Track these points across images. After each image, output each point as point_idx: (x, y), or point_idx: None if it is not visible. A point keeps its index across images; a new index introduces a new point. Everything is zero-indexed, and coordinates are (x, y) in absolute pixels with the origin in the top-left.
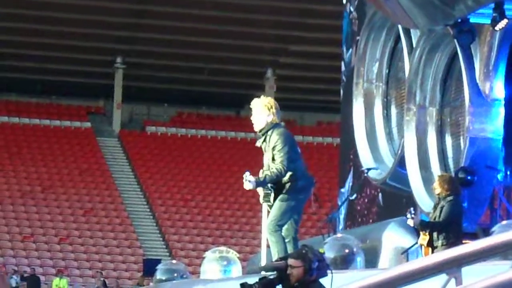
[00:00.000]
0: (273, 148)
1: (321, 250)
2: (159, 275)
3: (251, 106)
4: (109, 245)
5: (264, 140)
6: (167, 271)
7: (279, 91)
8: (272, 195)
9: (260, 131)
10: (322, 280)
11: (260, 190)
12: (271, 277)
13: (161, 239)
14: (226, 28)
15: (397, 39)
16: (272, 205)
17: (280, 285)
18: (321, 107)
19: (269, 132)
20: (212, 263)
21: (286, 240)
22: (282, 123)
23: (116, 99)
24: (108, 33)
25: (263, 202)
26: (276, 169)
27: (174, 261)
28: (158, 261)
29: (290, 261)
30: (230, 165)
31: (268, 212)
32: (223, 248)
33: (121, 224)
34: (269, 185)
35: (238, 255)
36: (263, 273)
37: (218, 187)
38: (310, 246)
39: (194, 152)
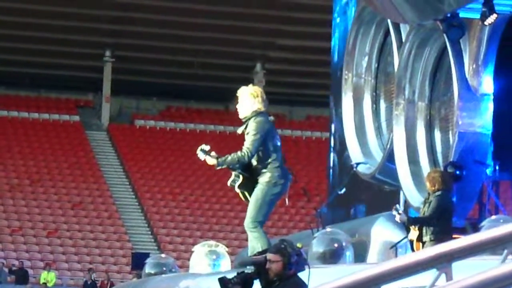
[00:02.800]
0: (247, 134)
1: (298, 245)
2: (148, 269)
3: (237, 94)
4: (98, 238)
5: (245, 128)
6: (156, 265)
7: (268, 85)
8: (240, 180)
9: (243, 118)
10: (301, 275)
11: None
12: (250, 271)
13: (149, 233)
14: (215, 22)
15: (387, 33)
16: (242, 191)
17: (258, 280)
18: (310, 101)
19: (250, 120)
20: (201, 257)
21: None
22: (271, 117)
23: (105, 92)
24: (97, 27)
25: (230, 185)
26: (241, 152)
27: (162, 255)
28: (147, 255)
29: (269, 256)
30: None
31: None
32: (212, 242)
33: (110, 217)
34: (238, 170)
35: (227, 249)
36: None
37: (207, 181)
38: (289, 240)
39: (183, 146)
